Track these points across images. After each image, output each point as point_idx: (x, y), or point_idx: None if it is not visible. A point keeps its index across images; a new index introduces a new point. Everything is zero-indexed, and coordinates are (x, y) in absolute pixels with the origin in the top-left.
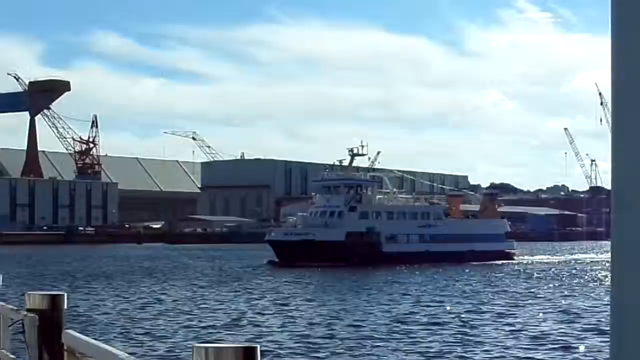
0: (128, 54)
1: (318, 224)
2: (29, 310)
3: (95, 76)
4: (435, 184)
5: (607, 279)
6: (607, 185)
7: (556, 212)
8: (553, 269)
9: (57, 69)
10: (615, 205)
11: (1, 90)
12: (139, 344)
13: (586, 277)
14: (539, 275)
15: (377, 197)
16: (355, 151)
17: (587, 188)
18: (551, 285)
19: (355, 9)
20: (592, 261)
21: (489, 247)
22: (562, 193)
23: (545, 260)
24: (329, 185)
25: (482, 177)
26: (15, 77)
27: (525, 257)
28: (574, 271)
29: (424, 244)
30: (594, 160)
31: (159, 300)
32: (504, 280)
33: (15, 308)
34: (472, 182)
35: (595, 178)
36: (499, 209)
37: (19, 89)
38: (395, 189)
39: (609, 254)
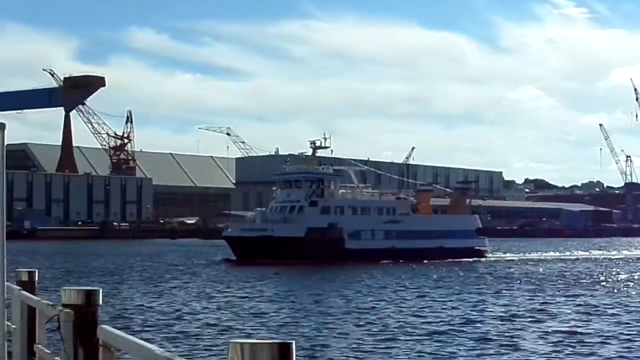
0: (163, 49)
1: (277, 219)
2: (64, 305)
3: (130, 72)
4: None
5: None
6: None
7: (591, 208)
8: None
9: (92, 64)
10: None
11: (37, 85)
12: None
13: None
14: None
15: (340, 191)
16: (317, 143)
17: (622, 184)
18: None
19: (390, 5)
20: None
21: (458, 244)
22: (597, 189)
23: (517, 259)
24: (290, 179)
25: (517, 172)
26: (50, 73)
27: (497, 254)
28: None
29: (389, 241)
30: (629, 156)
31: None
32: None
33: (51, 303)
34: (506, 177)
35: (631, 174)
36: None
37: (54, 84)
38: (360, 184)
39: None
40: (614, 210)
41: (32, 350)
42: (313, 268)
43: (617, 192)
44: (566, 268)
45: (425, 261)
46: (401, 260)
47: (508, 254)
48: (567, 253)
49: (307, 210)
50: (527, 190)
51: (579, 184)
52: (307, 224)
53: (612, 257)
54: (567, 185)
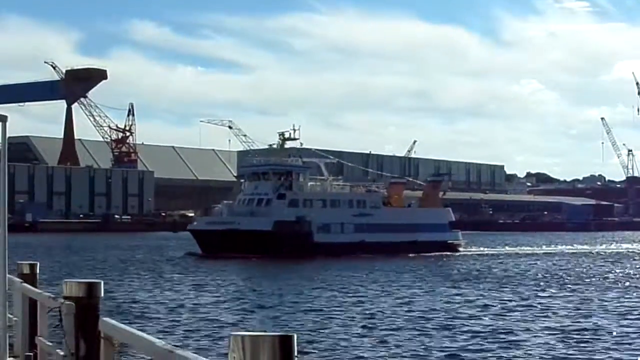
0: (164, 42)
1: (244, 212)
2: (66, 298)
3: (131, 65)
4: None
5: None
6: None
7: (592, 202)
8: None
9: (94, 57)
10: None
11: (38, 78)
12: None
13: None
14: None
15: (309, 184)
16: (286, 135)
17: (623, 178)
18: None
19: None
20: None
21: (430, 238)
22: (599, 183)
23: (490, 253)
24: (257, 171)
25: (518, 166)
26: (52, 66)
27: (471, 248)
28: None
29: (359, 234)
30: (631, 150)
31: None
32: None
33: (52, 296)
34: (508, 171)
35: (632, 168)
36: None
37: (56, 77)
38: (331, 176)
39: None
40: (616, 204)
41: (34, 343)
42: (279, 262)
43: (618, 186)
44: (538, 263)
45: (396, 255)
46: (371, 254)
47: (482, 248)
48: (559, 247)
49: (274, 203)
50: (528, 184)
51: (581, 178)
52: (274, 217)
53: (589, 252)
54: (568, 179)
